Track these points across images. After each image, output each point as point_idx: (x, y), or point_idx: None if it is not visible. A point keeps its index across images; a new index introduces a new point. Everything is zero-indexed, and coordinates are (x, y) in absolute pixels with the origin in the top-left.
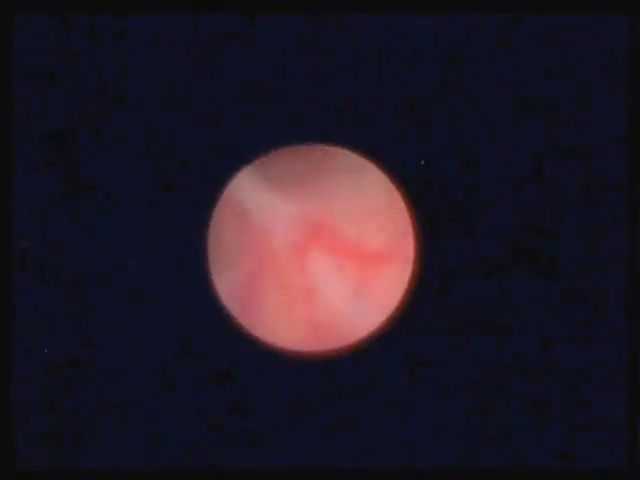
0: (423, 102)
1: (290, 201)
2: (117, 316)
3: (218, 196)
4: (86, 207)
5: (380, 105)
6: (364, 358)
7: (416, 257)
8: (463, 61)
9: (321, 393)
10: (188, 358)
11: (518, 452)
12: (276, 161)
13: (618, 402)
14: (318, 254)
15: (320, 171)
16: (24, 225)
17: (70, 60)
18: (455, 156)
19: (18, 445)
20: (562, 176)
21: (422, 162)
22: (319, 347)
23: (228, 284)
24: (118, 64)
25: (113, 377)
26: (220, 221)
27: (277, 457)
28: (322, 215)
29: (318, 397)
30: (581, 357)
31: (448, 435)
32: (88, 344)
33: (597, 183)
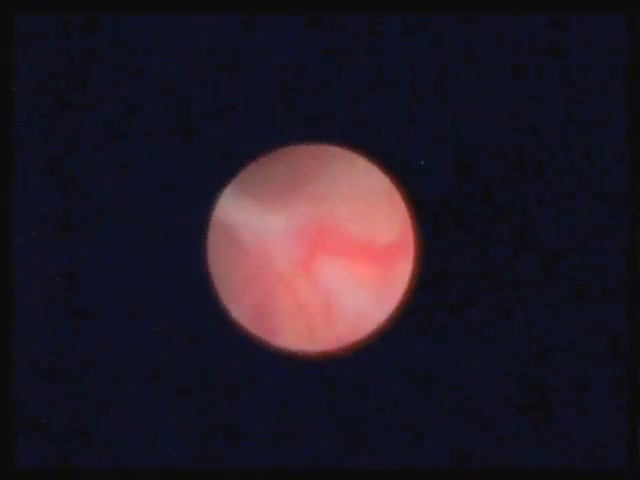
0: (423, 102)
1: (279, 211)
2: (117, 316)
3: (218, 196)
4: (86, 207)
5: (380, 105)
6: (364, 358)
7: (416, 257)
8: (463, 61)
9: (321, 393)
10: (188, 358)
11: (518, 452)
12: (260, 171)
13: (618, 402)
14: (324, 258)
15: (313, 172)
16: (24, 225)
17: (70, 60)
18: (455, 156)
19: (18, 445)
20: (562, 176)
21: (422, 162)
22: (319, 347)
23: (240, 310)
24: (118, 64)
25: (113, 377)
26: (216, 250)
27: (277, 457)
28: (321, 217)
29: (318, 397)
30: (581, 358)
31: (448, 435)
32: (88, 344)
33: (597, 183)
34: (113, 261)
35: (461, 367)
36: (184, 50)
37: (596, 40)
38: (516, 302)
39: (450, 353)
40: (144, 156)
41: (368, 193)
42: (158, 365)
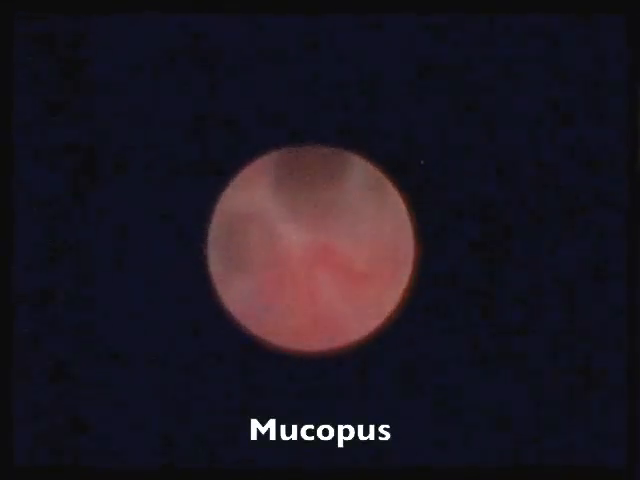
0: (424, 102)
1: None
2: (116, 316)
3: (217, 196)
4: (86, 206)
5: (381, 105)
6: (364, 358)
7: (415, 260)
8: (462, 61)
9: (321, 393)
10: (188, 358)
11: (518, 451)
12: (257, 168)
13: (618, 402)
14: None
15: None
16: (24, 224)
17: (70, 60)
18: (456, 156)
19: (18, 442)
20: (562, 177)
21: (422, 162)
22: (319, 347)
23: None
24: (118, 64)
25: (113, 376)
26: (219, 229)
27: (276, 457)
28: (326, 234)
29: (318, 397)
30: (581, 357)
31: (447, 435)
32: (88, 343)
33: (597, 183)
34: (113, 260)
35: (460, 367)
36: (185, 50)
37: (596, 40)
38: (516, 303)
39: (449, 354)
40: (144, 155)
41: (355, 193)
42: (158, 365)
